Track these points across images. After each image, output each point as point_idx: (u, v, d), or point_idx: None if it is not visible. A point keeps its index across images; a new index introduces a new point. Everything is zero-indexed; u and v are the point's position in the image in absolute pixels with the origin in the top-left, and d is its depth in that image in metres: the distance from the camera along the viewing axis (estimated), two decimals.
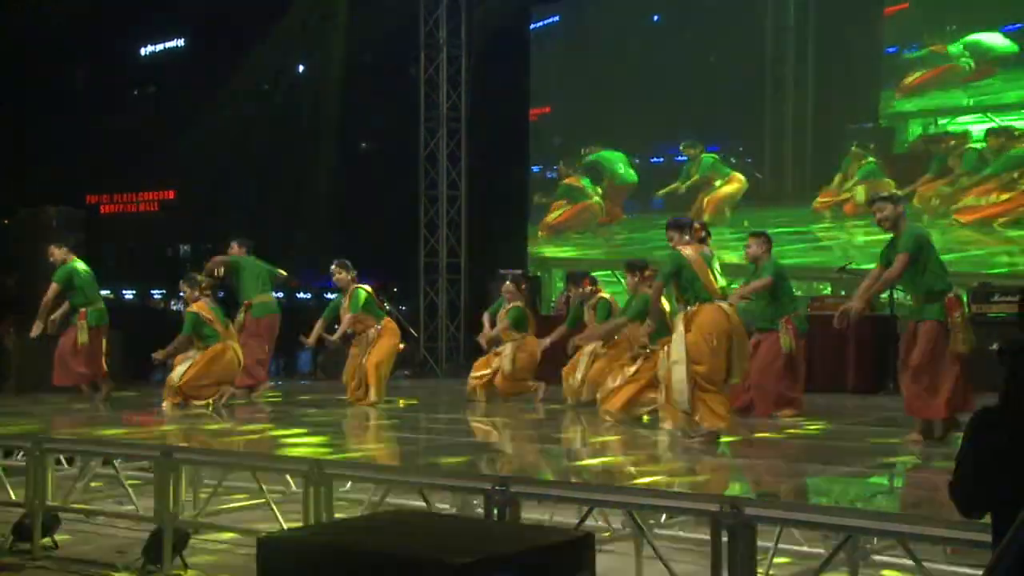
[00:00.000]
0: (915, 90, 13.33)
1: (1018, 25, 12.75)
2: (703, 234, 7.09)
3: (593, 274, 10.51)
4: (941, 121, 13.14)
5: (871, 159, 13.45)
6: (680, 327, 6.80)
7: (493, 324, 10.24)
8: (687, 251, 6.94)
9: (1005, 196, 12.48)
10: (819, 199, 13.78)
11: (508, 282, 10.40)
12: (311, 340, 9.90)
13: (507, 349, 9.97)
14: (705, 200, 14.53)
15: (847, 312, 6.80)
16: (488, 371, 10.00)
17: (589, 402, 9.26)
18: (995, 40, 12.85)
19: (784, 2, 14.19)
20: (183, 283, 9.87)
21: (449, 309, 15.96)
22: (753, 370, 8.45)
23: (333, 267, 9.86)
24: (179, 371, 9.41)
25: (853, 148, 13.48)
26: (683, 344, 6.73)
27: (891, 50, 13.55)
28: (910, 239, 6.78)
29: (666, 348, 7.01)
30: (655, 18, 15.64)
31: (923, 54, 13.29)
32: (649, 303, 7.76)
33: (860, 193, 13.54)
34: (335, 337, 9.75)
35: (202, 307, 9.58)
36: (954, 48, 13.05)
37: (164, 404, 9.37)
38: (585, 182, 15.93)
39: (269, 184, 23.22)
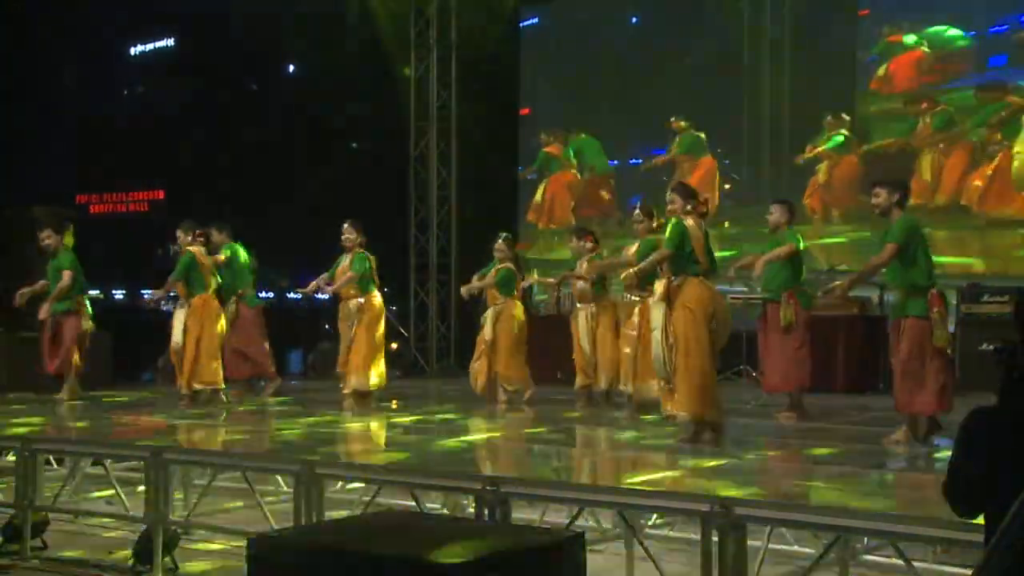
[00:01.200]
0: (883, 88, 13.38)
1: (973, 32, 12.82)
2: (704, 210, 7.04)
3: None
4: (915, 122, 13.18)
5: (844, 132, 13.49)
6: (660, 299, 6.74)
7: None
8: (689, 221, 6.85)
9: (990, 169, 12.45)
10: (806, 198, 13.76)
11: (500, 240, 10.03)
12: (308, 290, 9.85)
13: (488, 313, 9.83)
14: (705, 162, 14.54)
15: (832, 291, 7.10)
16: (483, 347, 9.80)
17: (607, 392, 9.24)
18: (952, 33, 12.95)
19: (760, 4, 14.23)
20: (180, 229, 9.74)
21: (439, 309, 15.94)
22: (762, 344, 8.43)
23: (346, 224, 9.79)
24: (177, 335, 9.34)
25: (828, 117, 13.51)
26: (662, 315, 6.71)
27: (860, 53, 13.62)
28: (900, 229, 6.82)
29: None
30: (633, 20, 15.65)
31: (881, 47, 13.35)
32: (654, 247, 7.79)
33: (823, 172, 13.57)
34: (330, 289, 9.70)
35: (198, 251, 9.55)
36: (909, 38, 13.14)
37: (184, 399, 9.28)
38: (566, 153, 15.85)
39: (259, 184, 23.15)
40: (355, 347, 9.56)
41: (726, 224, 14.34)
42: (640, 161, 15.25)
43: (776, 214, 8.71)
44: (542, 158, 16.11)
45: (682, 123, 14.67)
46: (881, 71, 13.40)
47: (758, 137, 14.30)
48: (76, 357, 9.78)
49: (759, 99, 14.20)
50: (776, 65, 14.07)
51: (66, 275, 9.78)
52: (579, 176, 15.79)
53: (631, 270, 7.38)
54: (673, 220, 6.90)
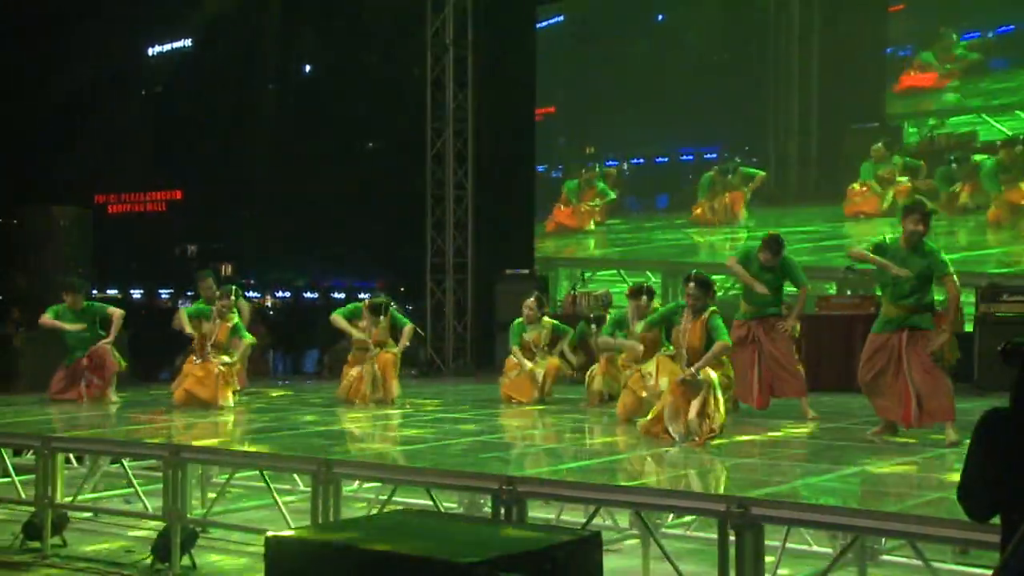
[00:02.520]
0: (911, 91, 13.27)
1: (1011, 27, 12.73)
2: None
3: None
4: (945, 121, 13.03)
5: (897, 157, 13.31)
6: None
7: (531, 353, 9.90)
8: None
9: None
10: (853, 204, 13.51)
11: (532, 299, 10.10)
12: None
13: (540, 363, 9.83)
14: (729, 196, 14.41)
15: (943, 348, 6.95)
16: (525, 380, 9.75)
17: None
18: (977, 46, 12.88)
19: (788, 1, 14.15)
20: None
21: (456, 309, 15.97)
22: (780, 357, 8.42)
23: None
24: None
25: (879, 145, 13.21)
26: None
27: (890, 50, 13.50)
28: (942, 257, 7.03)
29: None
30: (659, 17, 15.60)
31: (919, 56, 13.23)
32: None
33: (888, 200, 13.20)
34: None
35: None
36: (946, 50, 13.01)
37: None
38: (600, 185, 15.77)
39: (276, 184, 23.25)
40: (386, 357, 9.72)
41: (751, 223, 14.27)
42: (667, 159, 15.14)
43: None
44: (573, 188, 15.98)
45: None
46: (906, 80, 13.19)
47: (786, 136, 14.19)
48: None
49: (787, 97, 14.08)
50: (804, 62, 13.94)
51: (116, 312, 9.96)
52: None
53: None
54: (717, 317, 7.12)
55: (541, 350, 9.97)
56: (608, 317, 9.40)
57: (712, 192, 14.53)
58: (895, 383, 6.95)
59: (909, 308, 6.99)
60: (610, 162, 15.77)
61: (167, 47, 26.71)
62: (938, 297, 7.28)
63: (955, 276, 7.01)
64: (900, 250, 7.06)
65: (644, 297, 8.85)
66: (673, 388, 7.01)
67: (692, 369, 7.02)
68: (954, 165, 12.85)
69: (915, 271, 6.99)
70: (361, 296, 10.77)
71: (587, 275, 14.85)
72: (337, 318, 9.93)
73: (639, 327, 8.33)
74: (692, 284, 7.18)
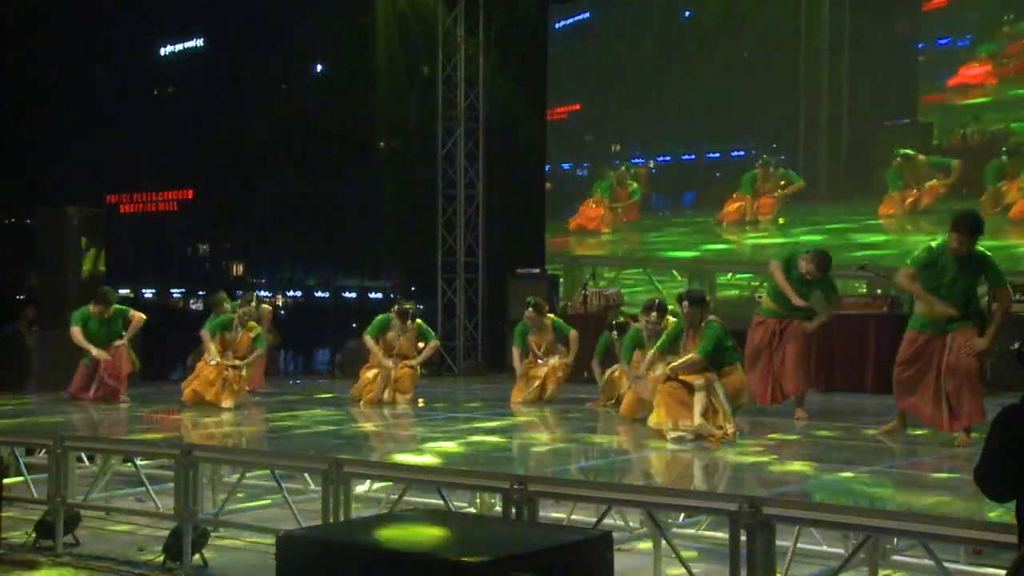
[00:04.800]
0: (956, 89, 12.96)
1: None
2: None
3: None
4: (985, 118, 12.72)
5: (922, 156, 13.10)
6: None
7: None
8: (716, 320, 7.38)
9: None
10: (884, 209, 13.20)
11: (530, 308, 9.93)
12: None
13: (552, 361, 9.81)
14: (759, 202, 14.26)
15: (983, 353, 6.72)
16: (536, 381, 9.75)
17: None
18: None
19: None
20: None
21: (467, 308, 15.97)
22: (768, 357, 8.45)
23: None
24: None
25: (903, 152, 12.93)
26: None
27: (940, 43, 13.17)
28: (996, 267, 6.82)
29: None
30: (686, 14, 15.48)
31: (965, 49, 12.98)
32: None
33: (912, 199, 12.98)
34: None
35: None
36: (993, 46, 12.77)
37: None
38: (634, 186, 15.63)
39: (287, 183, 23.30)
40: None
41: (780, 221, 14.10)
42: (694, 157, 14.98)
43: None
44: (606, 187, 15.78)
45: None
46: (953, 78, 12.84)
47: (815, 134, 14.03)
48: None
49: (817, 94, 13.92)
50: (835, 60, 13.74)
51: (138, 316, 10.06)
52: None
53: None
54: (712, 326, 7.25)
55: (545, 352, 9.89)
56: (629, 331, 9.19)
57: (755, 190, 14.32)
58: (931, 385, 6.75)
59: (952, 309, 6.77)
60: (636, 159, 15.62)
61: (179, 47, 26.79)
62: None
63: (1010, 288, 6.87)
64: (947, 258, 6.77)
65: (654, 314, 8.63)
66: (661, 389, 7.08)
67: (667, 369, 7.16)
68: (1004, 158, 12.47)
69: (966, 284, 6.77)
70: (371, 296, 10.82)
71: (611, 274, 14.76)
72: (369, 341, 9.76)
73: (654, 347, 8.34)
74: (687, 303, 7.37)
